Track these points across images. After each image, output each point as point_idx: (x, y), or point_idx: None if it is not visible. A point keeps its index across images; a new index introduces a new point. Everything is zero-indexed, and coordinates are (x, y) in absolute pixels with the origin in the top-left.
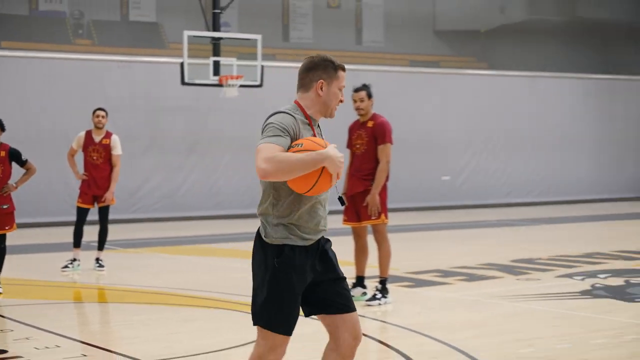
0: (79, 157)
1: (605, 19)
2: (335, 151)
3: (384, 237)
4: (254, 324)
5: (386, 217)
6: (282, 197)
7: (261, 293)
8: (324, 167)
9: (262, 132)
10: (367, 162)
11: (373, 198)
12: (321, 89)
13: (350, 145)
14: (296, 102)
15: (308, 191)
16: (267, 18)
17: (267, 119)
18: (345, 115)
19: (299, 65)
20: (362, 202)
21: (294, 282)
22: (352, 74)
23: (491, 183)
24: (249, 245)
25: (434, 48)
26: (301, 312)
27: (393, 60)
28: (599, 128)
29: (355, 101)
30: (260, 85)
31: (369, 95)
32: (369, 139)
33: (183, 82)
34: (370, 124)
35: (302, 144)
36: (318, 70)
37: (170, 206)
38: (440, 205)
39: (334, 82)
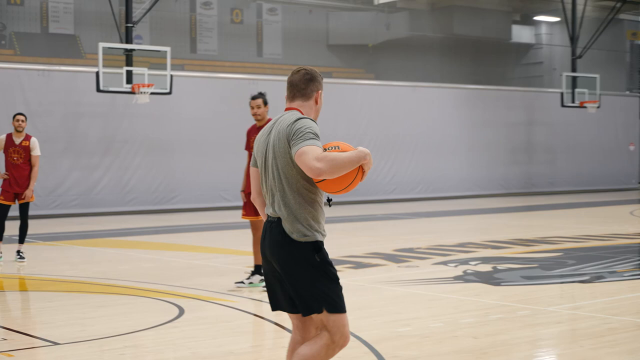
0: (0, 158)
1: (477, 36)
2: (368, 150)
3: None
4: (319, 312)
5: None
6: (310, 197)
7: (314, 286)
8: (360, 166)
9: (294, 136)
10: None
11: None
12: (318, 98)
13: (248, 147)
14: (297, 110)
15: (344, 189)
16: (176, 31)
17: (294, 124)
18: (248, 120)
19: (206, 75)
20: None
21: (334, 271)
22: (253, 83)
23: (378, 181)
24: (159, 238)
25: (327, 60)
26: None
27: (290, 71)
28: (472, 132)
29: (252, 107)
30: (169, 93)
31: (265, 102)
32: None
33: (98, 90)
34: None
35: (338, 146)
36: (317, 82)
37: (87, 203)
38: (333, 201)
39: (322, 93)
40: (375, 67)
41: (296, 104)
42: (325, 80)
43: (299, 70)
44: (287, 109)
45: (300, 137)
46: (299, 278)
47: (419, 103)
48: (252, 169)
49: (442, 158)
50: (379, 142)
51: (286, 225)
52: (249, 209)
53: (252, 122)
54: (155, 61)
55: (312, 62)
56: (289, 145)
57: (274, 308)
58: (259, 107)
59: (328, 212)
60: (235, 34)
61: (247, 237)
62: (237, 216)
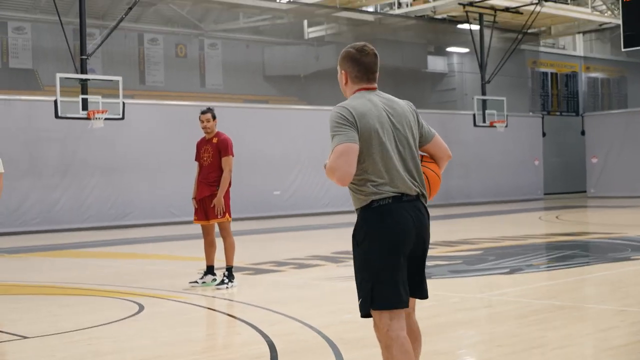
0: None
1: (397, 66)
2: None
3: (229, 233)
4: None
5: (229, 216)
6: None
7: None
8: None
9: (423, 122)
10: (213, 171)
11: (219, 200)
12: None
13: (198, 158)
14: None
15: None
16: (126, 65)
17: (414, 108)
18: (193, 143)
19: (154, 102)
20: (209, 204)
21: None
22: (198, 110)
23: (314, 195)
24: (116, 248)
25: (264, 90)
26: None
27: (231, 99)
28: None
29: (202, 121)
30: (122, 118)
31: (213, 117)
32: (214, 152)
33: (57, 116)
34: (215, 140)
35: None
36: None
37: (48, 220)
38: (274, 214)
39: None
40: (307, 95)
41: (374, 85)
42: (262, 106)
43: (368, 53)
44: (371, 89)
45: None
46: (425, 260)
47: None
48: (354, 146)
49: None
50: (313, 160)
51: (424, 202)
52: (200, 214)
53: (199, 137)
54: (108, 92)
55: (250, 91)
56: (419, 125)
57: (405, 303)
58: (208, 120)
59: (267, 225)
60: (180, 66)
61: (196, 246)
62: (186, 229)
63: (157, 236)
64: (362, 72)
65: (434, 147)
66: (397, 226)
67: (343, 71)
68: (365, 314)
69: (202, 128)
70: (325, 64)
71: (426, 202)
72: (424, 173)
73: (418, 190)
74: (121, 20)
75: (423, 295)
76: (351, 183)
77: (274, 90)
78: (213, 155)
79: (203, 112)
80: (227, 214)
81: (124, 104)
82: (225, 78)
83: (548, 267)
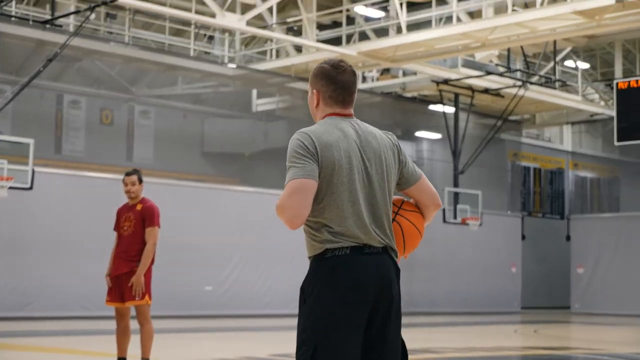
0: None
1: None
2: None
3: (147, 319)
4: None
5: (150, 298)
6: None
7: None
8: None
9: (407, 160)
10: (134, 243)
11: (138, 278)
12: None
13: (117, 227)
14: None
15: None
16: (40, 129)
17: (399, 145)
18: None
19: (71, 173)
20: (127, 282)
21: None
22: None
23: (253, 293)
24: (13, 341)
25: (201, 168)
26: None
27: (162, 176)
28: None
29: (126, 184)
30: (30, 188)
31: (140, 180)
32: (137, 221)
33: None
34: (139, 206)
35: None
36: None
37: None
38: (204, 314)
39: None
40: (251, 177)
41: (350, 110)
42: (198, 185)
43: (345, 69)
44: (345, 115)
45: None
46: (400, 329)
47: None
48: (310, 182)
49: None
50: (255, 252)
51: (393, 257)
52: (115, 294)
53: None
54: (16, 159)
55: (185, 168)
56: (399, 164)
57: None
58: (133, 183)
59: (193, 324)
60: (104, 134)
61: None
62: (100, 324)
63: (63, 330)
64: (338, 92)
65: (418, 192)
66: (352, 283)
67: (314, 90)
68: None
69: (125, 192)
70: (275, 142)
71: (396, 257)
72: (398, 223)
73: (385, 242)
74: (36, 75)
75: None
76: (306, 224)
77: (213, 169)
78: (135, 224)
79: (128, 174)
80: (147, 295)
81: (34, 171)
82: (157, 151)
83: None
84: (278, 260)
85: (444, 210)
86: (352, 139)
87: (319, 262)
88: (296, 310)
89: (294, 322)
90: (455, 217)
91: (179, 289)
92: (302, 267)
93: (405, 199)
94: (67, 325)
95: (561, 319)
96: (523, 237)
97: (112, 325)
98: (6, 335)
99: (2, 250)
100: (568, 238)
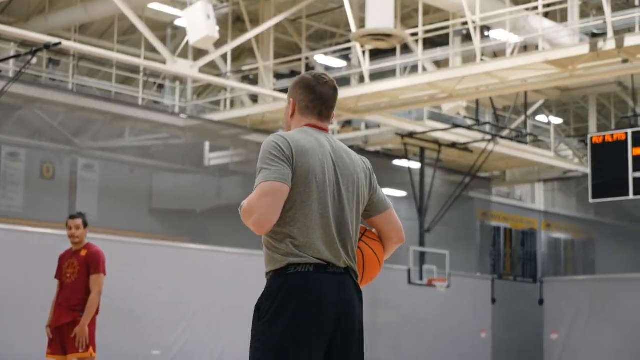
0: None
1: None
2: None
3: None
4: None
5: (94, 350)
6: None
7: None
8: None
9: (378, 189)
10: (77, 292)
11: (82, 329)
12: None
13: (59, 274)
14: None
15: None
16: None
17: (370, 168)
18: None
19: (9, 228)
20: (69, 333)
21: None
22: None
23: (204, 357)
24: None
25: (149, 225)
26: None
27: (107, 232)
28: None
29: (70, 228)
30: None
31: (85, 224)
32: (81, 267)
33: None
34: (83, 252)
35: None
36: None
37: None
38: None
39: None
40: (202, 235)
41: (327, 126)
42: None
43: (327, 82)
44: (321, 128)
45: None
46: (362, 347)
47: (255, 272)
48: (283, 186)
49: None
50: (207, 313)
51: (355, 280)
52: (56, 347)
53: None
54: None
55: (132, 226)
56: (370, 189)
57: None
58: (77, 227)
59: None
60: (44, 189)
61: None
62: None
63: None
64: (315, 102)
65: (384, 222)
66: (313, 303)
67: (291, 99)
68: None
69: (69, 236)
70: (228, 198)
71: (357, 279)
72: (360, 249)
73: (348, 263)
74: None
75: None
76: (267, 235)
77: (162, 227)
78: (80, 271)
79: (72, 217)
80: (91, 347)
81: None
82: (102, 207)
83: None
84: (232, 323)
85: (409, 270)
86: (327, 151)
87: (278, 277)
88: None
89: None
90: (421, 278)
91: (124, 353)
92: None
93: (368, 228)
94: None
95: None
96: (493, 301)
97: None
98: None
99: None
100: (541, 302)
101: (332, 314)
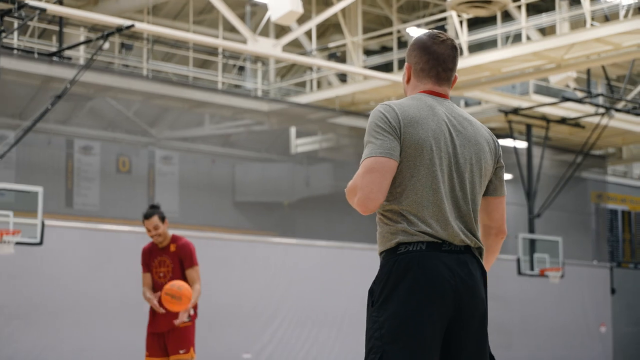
0: None
1: None
2: None
3: None
4: None
5: (194, 352)
6: None
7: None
8: None
9: (502, 168)
10: None
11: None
12: None
13: (149, 270)
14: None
15: None
16: (47, 179)
17: (499, 144)
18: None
19: (87, 227)
20: (171, 338)
21: None
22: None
23: None
24: None
25: (233, 220)
26: None
27: (189, 229)
28: None
29: (149, 230)
30: (40, 244)
31: (162, 218)
32: (175, 264)
33: None
34: (172, 247)
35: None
36: None
37: None
38: None
39: None
40: (291, 229)
41: (446, 90)
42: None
43: (444, 40)
44: (438, 94)
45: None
46: (486, 343)
47: (349, 267)
48: (390, 161)
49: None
50: (298, 313)
51: (479, 258)
52: (157, 350)
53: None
54: (21, 215)
55: (215, 221)
56: (496, 163)
57: None
58: (156, 227)
59: None
60: (121, 184)
61: None
62: None
63: None
64: (431, 63)
65: (492, 208)
66: (427, 285)
67: (407, 64)
68: None
69: (151, 237)
70: (318, 187)
71: (481, 257)
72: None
73: (469, 242)
74: (42, 116)
75: None
76: (378, 213)
77: (247, 222)
78: (174, 269)
79: (146, 217)
80: (192, 348)
81: (43, 224)
82: (182, 202)
83: None
84: (325, 324)
85: (518, 260)
86: (441, 119)
87: (390, 258)
88: None
89: None
90: (532, 268)
91: (213, 356)
92: (352, 332)
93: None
94: None
95: None
96: (613, 291)
97: None
98: None
99: (13, 313)
100: None
101: (448, 294)
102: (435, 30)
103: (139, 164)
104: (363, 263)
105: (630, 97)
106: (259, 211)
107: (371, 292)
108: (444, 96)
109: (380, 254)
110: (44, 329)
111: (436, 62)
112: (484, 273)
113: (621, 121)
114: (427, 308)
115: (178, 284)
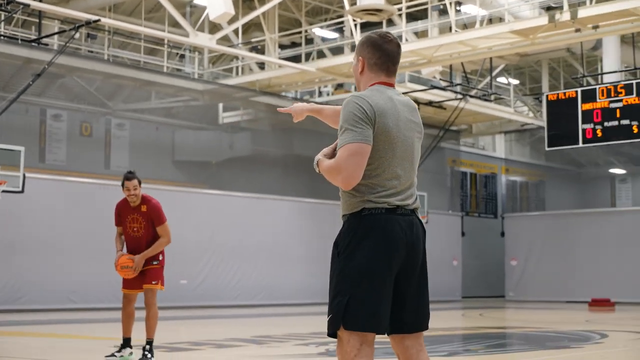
0: None
1: (313, 155)
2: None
3: (155, 302)
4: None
5: (162, 285)
6: None
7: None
8: None
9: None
10: (147, 243)
11: (141, 258)
12: None
13: (121, 225)
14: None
15: None
16: (26, 140)
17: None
18: (97, 223)
19: (58, 178)
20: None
21: None
22: (103, 188)
23: (223, 286)
24: (11, 329)
25: (173, 175)
26: None
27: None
28: (311, 243)
29: (129, 189)
30: (21, 191)
31: (139, 182)
32: (146, 222)
33: None
34: (144, 207)
35: None
36: None
37: None
38: (180, 305)
39: None
40: (218, 182)
41: (393, 80)
42: (171, 188)
43: (391, 40)
44: (389, 84)
45: None
46: (426, 282)
47: (261, 213)
48: (367, 147)
49: (283, 266)
50: (224, 248)
51: (419, 218)
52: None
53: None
54: (3, 169)
55: (158, 175)
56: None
57: (382, 330)
58: (135, 188)
59: (174, 313)
60: (84, 145)
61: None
62: (86, 315)
63: (54, 319)
64: (383, 60)
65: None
66: (386, 238)
67: (360, 58)
68: (332, 332)
69: (128, 197)
70: (239, 151)
71: (421, 220)
72: None
73: (414, 206)
74: (23, 91)
75: (421, 325)
76: None
77: (183, 176)
78: (145, 226)
79: (128, 178)
80: (160, 282)
81: (25, 176)
82: (132, 160)
83: (488, 352)
84: (245, 257)
85: None
86: (398, 108)
87: (354, 218)
88: (262, 301)
89: (265, 311)
90: None
91: None
92: (266, 264)
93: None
94: (57, 316)
95: (498, 305)
96: (463, 234)
97: (98, 314)
98: (2, 324)
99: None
100: (502, 234)
101: (402, 248)
102: (383, 31)
103: (98, 129)
104: (274, 210)
105: (480, 86)
106: (193, 168)
107: (336, 244)
108: (392, 85)
109: (344, 215)
110: (25, 260)
111: (387, 58)
112: (424, 232)
113: (473, 105)
114: (387, 258)
115: (128, 262)
